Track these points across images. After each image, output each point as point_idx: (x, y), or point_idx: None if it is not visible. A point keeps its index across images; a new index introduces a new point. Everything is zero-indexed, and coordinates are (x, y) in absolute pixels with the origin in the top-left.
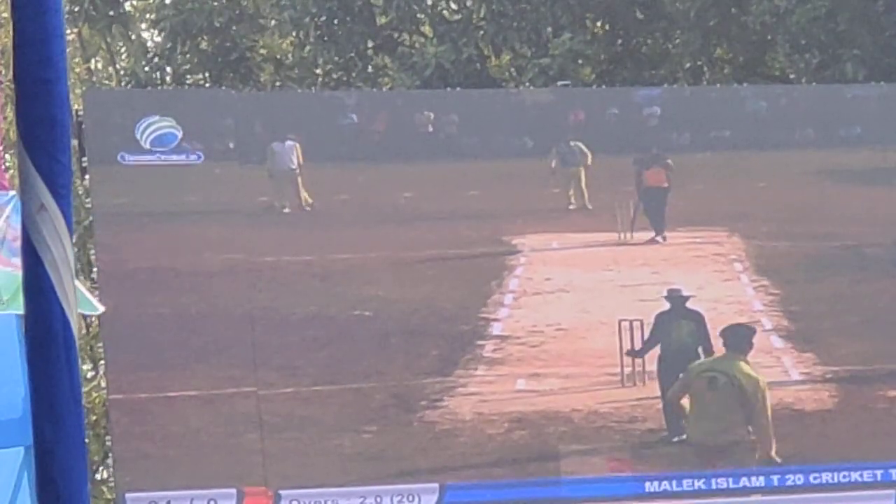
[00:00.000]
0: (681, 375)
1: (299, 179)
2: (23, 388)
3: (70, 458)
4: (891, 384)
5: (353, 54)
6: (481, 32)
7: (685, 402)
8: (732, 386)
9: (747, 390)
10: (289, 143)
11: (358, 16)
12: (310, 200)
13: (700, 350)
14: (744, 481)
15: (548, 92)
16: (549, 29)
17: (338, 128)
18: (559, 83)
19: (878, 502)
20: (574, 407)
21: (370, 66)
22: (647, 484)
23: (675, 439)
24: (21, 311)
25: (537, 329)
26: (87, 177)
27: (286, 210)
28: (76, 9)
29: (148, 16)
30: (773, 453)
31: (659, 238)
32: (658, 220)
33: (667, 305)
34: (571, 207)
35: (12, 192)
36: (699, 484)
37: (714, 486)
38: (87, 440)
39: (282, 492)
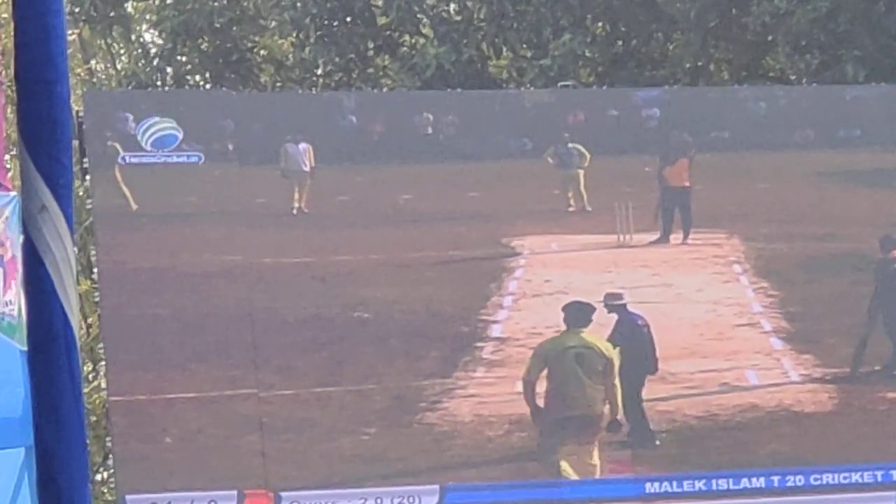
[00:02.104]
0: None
1: (308, 181)
2: (23, 389)
3: (71, 459)
4: (890, 385)
5: (353, 55)
6: (482, 33)
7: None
8: (597, 357)
9: (607, 357)
10: (302, 144)
11: (358, 16)
12: (301, 205)
13: (645, 354)
14: (744, 482)
15: (548, 93)
16: (550, 30)
17: (338, 129)
18: (561, 84)
19: (878, 503)
20: None
21: (371, 67)
22: (648, 485)
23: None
24: None
25: (537, 331)
26: (87, 177)
27: (295, 211)
28: (77, 9)
29: (148, 17)
30: (619, 416)
31: (682, 239)
32: (683, 221)
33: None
34: (571, 209)
35: (13, 193)
36: (699, 485)
37: (714, 487)
38: (87, 441)
39: (282, 493)
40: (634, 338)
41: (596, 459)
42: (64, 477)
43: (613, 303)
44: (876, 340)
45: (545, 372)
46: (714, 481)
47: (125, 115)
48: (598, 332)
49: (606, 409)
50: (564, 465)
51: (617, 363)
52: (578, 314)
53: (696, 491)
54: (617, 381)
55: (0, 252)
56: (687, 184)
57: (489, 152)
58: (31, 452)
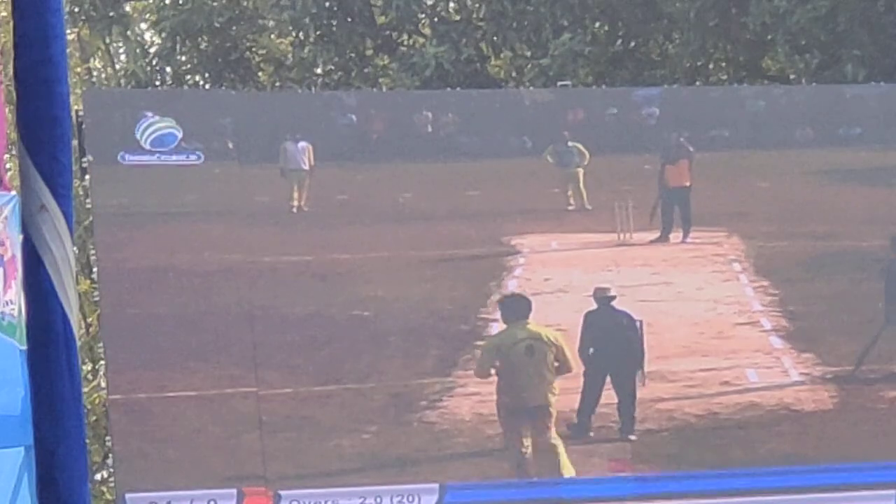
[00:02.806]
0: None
1: (307, 180)
2: (23, 388)
3: (70, 458)
4: (891, 384)
5: (352, 54)
6: (481, 32)
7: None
8: (545, 347)
9: (554, 347)
10: (301, 143)
11: (358, 16)
12: (301, 203)
13: (631, 350)
14: (744, 481)
15: (547, 92)
16: (549, 29)
17: (337, 128)
18: (559, 83)
19: (878, 502)
20: (573, 407)
21: (370, 67)
22: (647, 484)
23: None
24: None
25: None
26: (87, 177)
27: (294, 209)
28: (76, 9)
29: (148, 16)
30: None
31: (679, 238)
32: (683, 220)
33: (595, 304)
34: (570, 208)
35: (13, 193)
36: (699, 484)
37: (714, 486)
38: (87, 440)
39: (281, 492)
40: (616, 334)
41: (562, 452)
42: (63, 476)
43: (602, 296)
44: (880, 340)
45: (496, 366)
46: (714, 480)
47: (125, 115)
48: (543, 322)
49: (554, 397)
50: (530, 458)
51: (568, 349)
52: (517, 307)
53: (695, 490)
54: (573, 366)
55: (0, 251)
56: (687, 183)
57: (489, 151)
58: (31, 452)
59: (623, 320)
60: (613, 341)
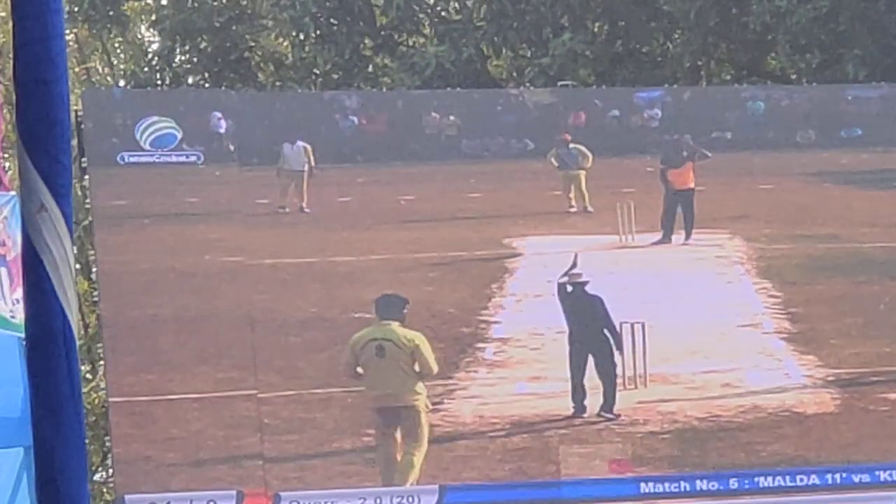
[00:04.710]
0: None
1: (305, 182)
2: (23, 389)
3: (70, 459)
4: (893, 386)
5: (352, 55)
6: (481, 32)
7: (360, 370)
8: (398, 349)
9: (409, 349)
10: (298, 144)
11: (358, 16)
12: (304, 204)
13: (606, 332)
14: (746, 483)
15: (549, 93)
16: (549, 29)
17: (338, 128)
18: (560, 83)
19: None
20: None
21: (370, 67)
22: (649, 485)
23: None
24: None
25: (538, 332)
26: (86, 177)
27: (287, 210)
28: (75, 9)
29: (146, 16)
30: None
31: (685, 240)
32: (686, 222)
33: (569, 288)
34: (572, 209)
35: (12, 193)
36: (701, 485)
37: (716, 488)
38: (86, 441)
39: (281, 494)
40: (594, 317)
41: (400, 453)
42: (63, 477)
43: (574, 282)
44: (877, 342)
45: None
46: (716, 482)
47: (124, 115)
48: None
49: (417, 400)
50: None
51: (426, 351)
52: (388, 307)
53: (697, 491)
54: (434, 368)
55: (2, 252)
56: (691, 185)
57: (490, 152)
58: (30, 452)
59: (598, 303)
60: (598, 324)
